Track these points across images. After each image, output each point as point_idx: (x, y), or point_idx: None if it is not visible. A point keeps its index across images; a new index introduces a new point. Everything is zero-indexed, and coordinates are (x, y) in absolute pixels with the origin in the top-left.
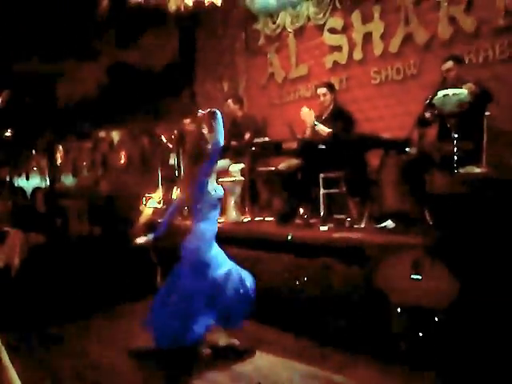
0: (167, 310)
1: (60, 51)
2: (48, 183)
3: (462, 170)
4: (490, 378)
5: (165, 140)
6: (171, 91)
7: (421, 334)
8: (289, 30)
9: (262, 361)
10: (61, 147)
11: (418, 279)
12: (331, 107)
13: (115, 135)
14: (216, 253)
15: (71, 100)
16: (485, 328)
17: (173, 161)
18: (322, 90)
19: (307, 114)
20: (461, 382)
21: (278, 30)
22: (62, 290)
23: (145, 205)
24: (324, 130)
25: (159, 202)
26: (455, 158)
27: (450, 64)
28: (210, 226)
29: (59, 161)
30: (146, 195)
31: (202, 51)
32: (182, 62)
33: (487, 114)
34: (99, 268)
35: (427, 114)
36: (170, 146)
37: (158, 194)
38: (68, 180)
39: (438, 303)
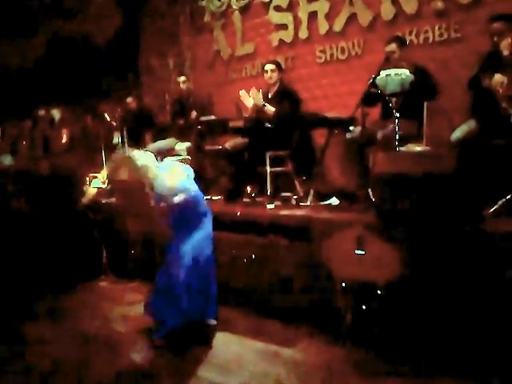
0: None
1: None
2: None
3: (403, 148)
4: (430, 351)
5: (108, 118)
6: (115, 68)
7: (364, 308)
8: (234, 7)
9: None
10: None
11: (361, 254)
12: (277, 86)
13: (56, 113)
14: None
15: (7, 75)
16: (425, 302)
17: (117, 140)
18: (270, 66)
19: (255, 95)
20: (400, 353)
21: (224, 7)
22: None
23: (89, 185)
24: (270, 109)
25: (104, 182)
26: (397, 136)
27: (393, 46)
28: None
29: None
30: (90, 175)
31: (146, 27)
32: (125, 38)
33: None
34: (40, 251)
35: (371, 93)
36: (114, 124)
37: (102, 174)
38: (6, 160)
39: (381, 278)
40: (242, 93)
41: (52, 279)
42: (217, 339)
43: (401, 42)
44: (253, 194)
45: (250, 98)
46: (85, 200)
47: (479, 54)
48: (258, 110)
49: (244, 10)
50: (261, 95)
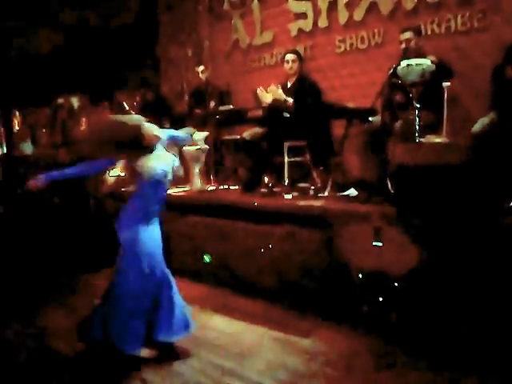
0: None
1: (14, 12)
2: (5, 150)
3: (422, 140)
4: (446, 342)
5: (127, 107)
6: (133, 56)
7: (381, 299)
8: None
9: (227, 326)
10: (17, 113)
11: (378, 246)
12: (297, 76)
13: (75, 102)
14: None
15: (26, 63)
16: (443, 294)
17: None
18: (291, 56)
19: (275, 92)
20: (418, 345)
21: None
22: (21, 259)
23: (108, 173)
24: (290, 101)
25: (121, 171)
26: (417, 127)
27: (408, 35)
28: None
29: (16, 127)
30: None
31: (164, 16)
32: (143, 27)
33: (447, 84)
34: (60, 238)
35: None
36: (132, 112)
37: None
38: (27, 147)
39: (398, 270)
40: (260, 90)
41: (75, 263)
42: (233, 328)
43: (416, 31)
44: (270, 185)
45: (268, 94)
46: (104, 188)
47: (503, 44)
48: (278, 102)
49: None
50: (281, 91)
